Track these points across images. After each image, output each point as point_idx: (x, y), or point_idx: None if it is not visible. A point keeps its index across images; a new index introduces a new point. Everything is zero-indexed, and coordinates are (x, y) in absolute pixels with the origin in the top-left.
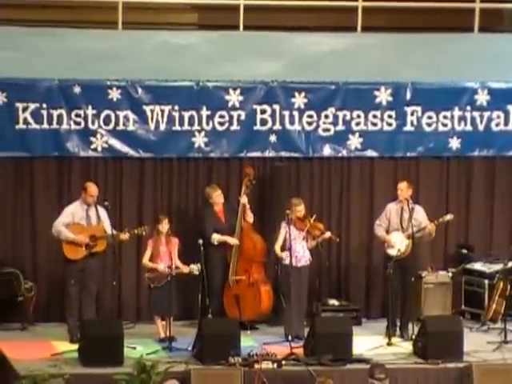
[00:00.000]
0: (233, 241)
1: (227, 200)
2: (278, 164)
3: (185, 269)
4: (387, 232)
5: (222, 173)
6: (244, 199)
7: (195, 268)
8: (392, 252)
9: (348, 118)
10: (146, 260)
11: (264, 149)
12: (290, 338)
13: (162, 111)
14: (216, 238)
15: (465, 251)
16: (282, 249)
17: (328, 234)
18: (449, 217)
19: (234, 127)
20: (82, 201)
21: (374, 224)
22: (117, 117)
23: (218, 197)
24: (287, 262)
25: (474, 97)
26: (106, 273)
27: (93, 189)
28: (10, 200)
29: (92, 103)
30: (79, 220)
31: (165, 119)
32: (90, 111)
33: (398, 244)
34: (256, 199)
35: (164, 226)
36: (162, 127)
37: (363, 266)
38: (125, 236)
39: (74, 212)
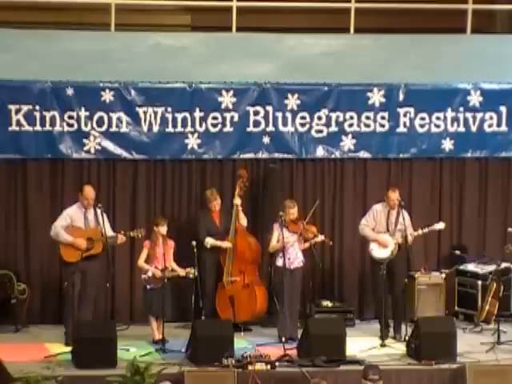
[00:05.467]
0: (226, 245)
1: (221, 202)
2: (271, 165)
3: (181, 272)
4: None
5: (215, 174)
6: (238, 201)
7: (191, 272)
8: (378, 254)
9: (341, 119)
10: (141, 261)
11: (257, 150)
12: (283, 339)
13: (155, 113)
14: (209, 242)
15: (458, 252)
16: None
17: (321, 238)
18: (440, 225)
19: (227, 129)
20: (80, 203)
21: (360, 224)
22: (110, 119)
23: (214, 206)
24: (280, 263)
25: (467, 98)
26: (99, 275)
27: (88, 192)
28: (3, 202)
29: (85, 105)
30: (77, 223)
31: (158, 121)
32: (83, 113)
33: (391, 245)
34: (249, 200)
35: (164, 228)
36: (155, 129)
37: (357, 267)
38: (121, 238)
39: (72, 214)
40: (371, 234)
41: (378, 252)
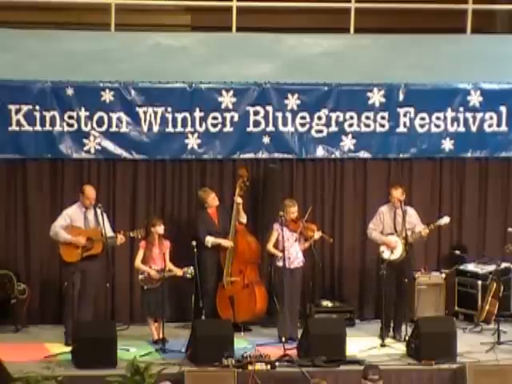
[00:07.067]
0: (227, 243)
1: (221, 202)
2: (271, 165)
3: (178, 272)
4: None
5: (215, 174)
6: (238, 200)
7: (188, 271)
8: (389, 255)
9: (341, 119)
10: (138, 262)
11: (257, 150)
12: (283, 339)
13: (155, 113)
14: (210, 240)
15: (458, 252)
16: (275, 248)
17: (318, 234)
18: (445, 220)
19: (227, 129)
20: (81, 203)
21: (368, 228)
22: (110, 119)
23: (212, 200)
24: (280, 263)
25: (467, 98)
26: (99, 275)
27: (90, 192)
28: (3, 202)
29: (85, 105)
30: (77, 223)
31: (158, 121)
32: (83, 113)
33: (399, 246)
34: (249, 200)
35: (161, 228)
36: (155, 129)
37: (357, 267)
38: (121, 238)
39: (71, 214)
40: (379, 238)
41: (388, 253)
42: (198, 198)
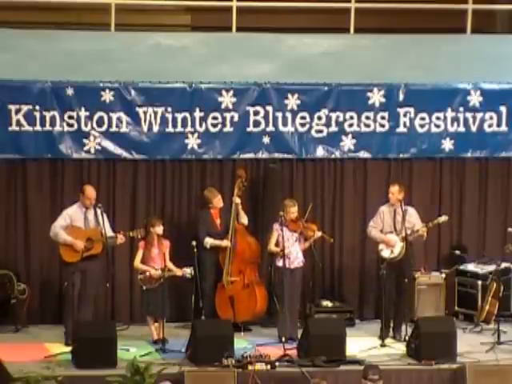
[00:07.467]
0: (225, 243)
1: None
2: (271, 165)
3: (178, 272)
4: None
5: (215, 175)
6: (237, 201)
7: (188, 271)
8: (387, 254)
9: (341, 119)
10: (137, 262)
11: (257, 150)
12: (283, 339)
13: (155, 113)
14: (209, 242)
15: (458, 252)
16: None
17: (318, 234)
18: (443, 218)
19: (227, 129)
20: (81, 203)
21: (368, 226)
22: (110, 119)
23: (218, 201)
24: (280, 263)
25: (467, 98)
26: (99, 275)
27: (90, 192)
28: (3, 202)
29: (85, 105)
30: (77, 223)
31: (158, 121)
32: (83, 113)
33: (398, 244)
34: (249, 200)
35: (160, 228)
36: (155, 129)
37: (357, 267)
38: (121, 238)
39: (71, 214)
40: (378, 236)
41: (387, 252)
42: (202, 197)
